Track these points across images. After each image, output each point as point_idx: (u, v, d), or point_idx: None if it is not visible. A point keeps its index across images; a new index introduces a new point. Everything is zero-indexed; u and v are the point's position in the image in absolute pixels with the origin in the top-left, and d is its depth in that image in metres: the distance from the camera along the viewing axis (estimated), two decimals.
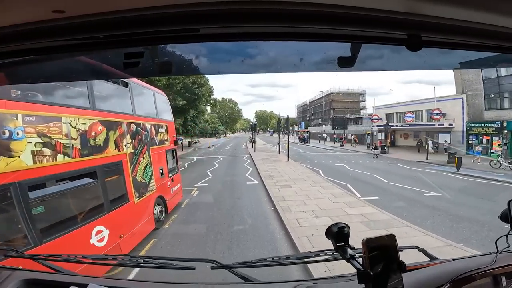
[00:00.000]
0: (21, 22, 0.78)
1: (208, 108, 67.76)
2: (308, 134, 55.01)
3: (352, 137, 42.70)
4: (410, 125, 32.51)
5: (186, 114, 29.42)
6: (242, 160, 25.28)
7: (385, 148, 28.78)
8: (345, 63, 1.01)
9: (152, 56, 1.04)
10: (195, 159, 25.79)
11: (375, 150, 26.23)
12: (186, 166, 20.63)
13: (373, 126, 37.53)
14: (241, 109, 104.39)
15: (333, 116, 52.17)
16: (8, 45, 0.89)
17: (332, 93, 64.21)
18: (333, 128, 47.29)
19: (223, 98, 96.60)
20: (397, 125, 34.51)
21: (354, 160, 24.24)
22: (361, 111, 59.92)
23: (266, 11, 0.77)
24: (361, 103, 64.31)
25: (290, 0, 0.74)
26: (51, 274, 1.44)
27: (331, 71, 1.13)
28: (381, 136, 35.12)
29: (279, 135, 34.54)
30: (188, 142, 43.25)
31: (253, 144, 37.49)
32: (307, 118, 76.69)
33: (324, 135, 53.12)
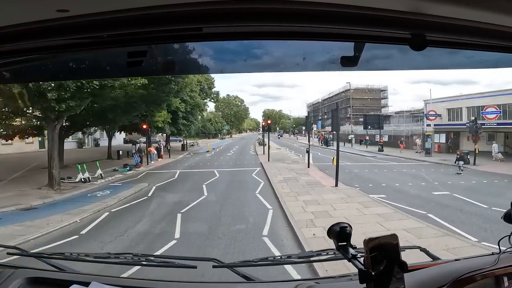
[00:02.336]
0: (26, 21, 0.78)
1: (210, 105, 63.43)
2: (331, 136, 39.58)
3: (416, 139, 28.79)
4: (498, 124, 22.51)
5: (161, 104, 20.55)
6: (251, 179, 14.94)
7: (467, 157, 19.12)
8: (348, 63, 1.01)
9: (155, 55, 1.04)
10: (176, 176, 16.34)
11: (460, 162, 17.27)
12: (150, 194, 12.04)
13: (428, 125, 27.22)
14: (247, 107, 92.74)
15: (365, 114, 42.05)
16: (12, 44, 0.89)
17: (349, 90, 55.83)
18: (365, 128, 37.20)
19: (228, 95, 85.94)
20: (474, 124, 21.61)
21: (445, 179, 14.64)
22: (382, 109, 52.91)
23: (268, 10, 0.77)
24: (382, 100, 56.27)
25: None
26: (54, 272, 1.45)
27: (334, 70, 1.13)
28: (440, 139, 26.16)
29: (308, 139, 22.70)
30: (182, 145, 32.99)
31: (264, 148, 26.48)
32: (320, 118, 68.32)
33: (350, 136, 40.85)
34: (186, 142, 34.19)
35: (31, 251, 1.62)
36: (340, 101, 57.75)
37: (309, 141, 21.26)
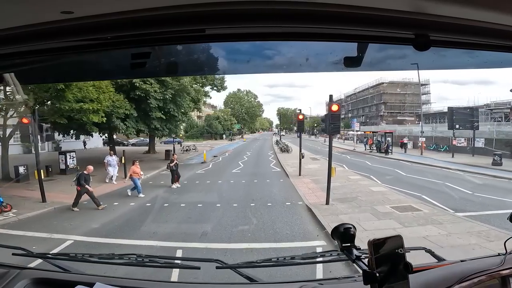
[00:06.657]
0: (30, 23, 0.79)
1: (216, 98, 54.48)
2: (389, 139, 26.60)
3: None
4: None
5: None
6: None
7: None
8: (352, 63, 1.00)
9: (159, 57, 1.05)
10: None
11: None
12: None
13: None
14: (261, 104, 78.16)
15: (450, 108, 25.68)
16: (17, 46, 0.90)
17: (382, 84, 48.82)
18: (451, 127, 23.95)
19: (238, 89, 71.07)
20: None
21: None
22: (423, 106, 42.16)
23: (271, 11, 0.77)
24: (423, 96, 45.96)
25: (295, 0, 0.74)
26: (59, 273, 1.46)
27: (337, 71, 1.12)
28: None
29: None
30: (165, 151, 20.85)
31: (301, 160, 14.51)
32: (342, 116, 58.38)
33: (406, 139, 29.38)
34: (174, 148, 21.95)
35: (36, 252, 1.63)
36: (370, 97, 52.31)
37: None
